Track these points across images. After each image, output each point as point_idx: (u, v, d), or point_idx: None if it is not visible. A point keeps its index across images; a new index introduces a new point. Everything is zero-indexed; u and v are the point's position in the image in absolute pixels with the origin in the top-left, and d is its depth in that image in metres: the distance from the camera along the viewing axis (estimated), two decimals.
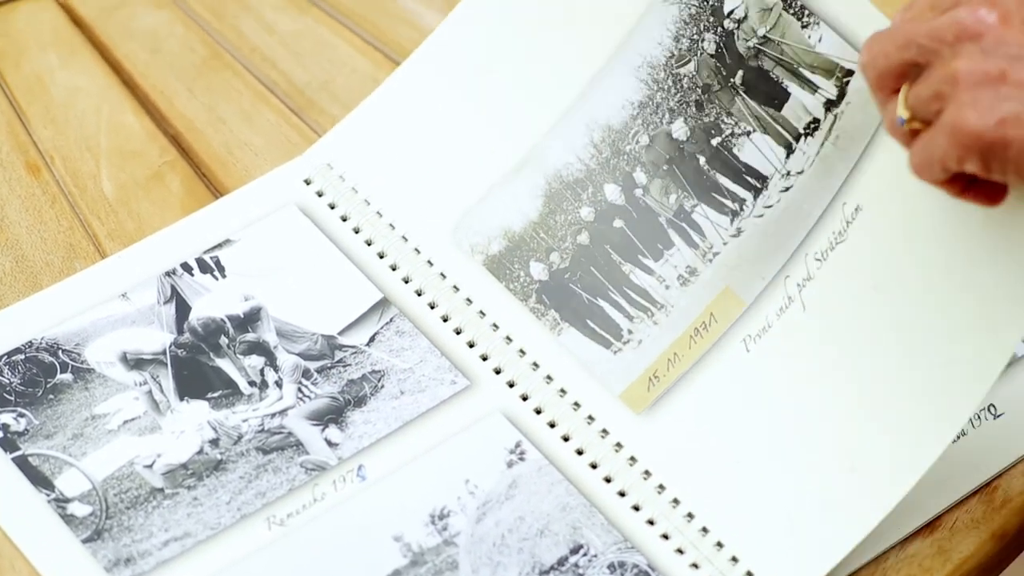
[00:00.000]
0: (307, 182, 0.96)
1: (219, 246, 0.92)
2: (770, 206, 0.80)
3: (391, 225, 0.93)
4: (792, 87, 0.80)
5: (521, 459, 0.83)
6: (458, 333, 0.88)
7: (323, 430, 0.84)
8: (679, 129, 0.83)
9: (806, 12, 0.79)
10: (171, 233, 0.94)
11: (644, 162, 0.84)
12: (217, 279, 0.91)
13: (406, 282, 0.91)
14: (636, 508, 0.81)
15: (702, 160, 0.82)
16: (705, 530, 0.79)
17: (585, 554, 0.79)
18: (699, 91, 0.82)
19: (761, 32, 0.80)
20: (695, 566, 0.78)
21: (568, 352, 0.85)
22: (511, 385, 0.86)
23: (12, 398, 0.85)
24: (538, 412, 0.85)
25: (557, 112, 0.88)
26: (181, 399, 0.85)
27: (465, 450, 0.83)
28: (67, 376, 0.86)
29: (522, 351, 0.87)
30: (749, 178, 0.81)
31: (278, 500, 0.81)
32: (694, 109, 0.82)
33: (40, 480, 0.81)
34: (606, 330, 0.85)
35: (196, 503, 0.81)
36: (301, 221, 0.94)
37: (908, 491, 0.75)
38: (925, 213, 0.74)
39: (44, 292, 0.91)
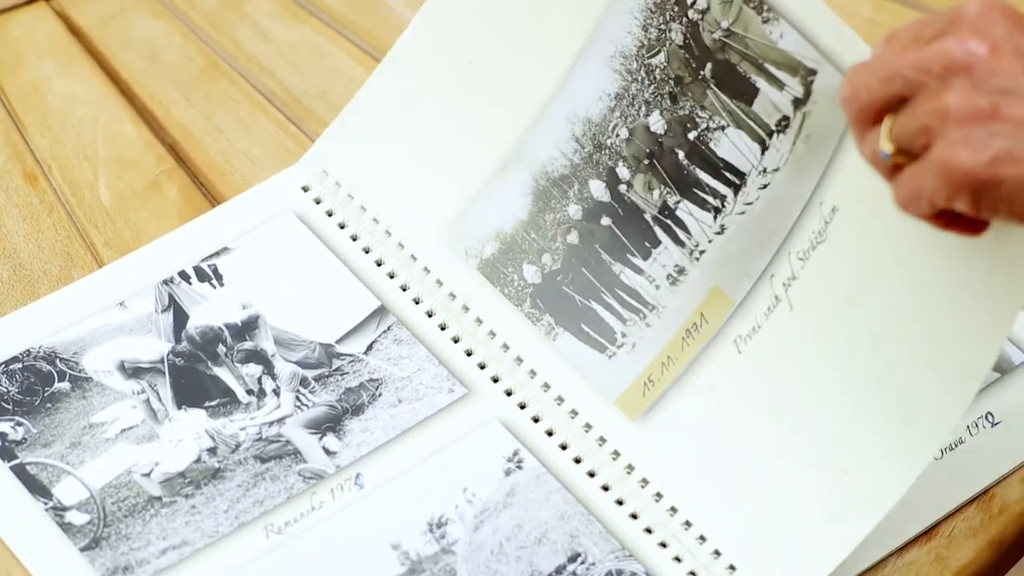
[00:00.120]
0: (305, 189, 0.96)
1: (217, 254, 0.93)
2: (751, 203, 0.79)
3: (387, 231, 0.93)
4: (760, 82, 0.78)
5: (519, 467, 0.83)
6: (456, 341, 0.88)
7: (321, 438, 0.84)
8: (656, 122, 0.82)
9: (765, 7, 0.77)
10: (169, 241, 0.94)
11: (626, 156, 0.84)
12: (215, 287, 0.91)
13: (404, 289, 0.91)
14: (634, 516, 0.81)
15: (681, 155, 0.81)
16: (703, 538, 0.79)
17: (583, 562, 0.79)
18: (672, 83, 0.81)
19: (725, 24, 0.79)
20: (693, 574, 0.78)
21: (564, 358, 0.85)
22: (509, 393, 0.86)
23: (10, 407, 0.85)
24: (536, 420, 0.85)
25: (537, 104, 0.88)
26: (179, 408, 0.85)
27: (463, 458, 0.83)
28: (65, 385, 0.86)
29: (519, 359, 0.87)
30: (728, 174, 0.80)
31: (276, 508, 0.81)
32: (669, 102, 0.82)
33: (38, 488, 0.81)
34: (600, 334, 0.85)
35: (194, 511, 0.81)
36: (298, 228, 0.94)
37: (903, 494, 0.74)
38: (901, 213, 0.73)
39: (42, 301, 0.91)
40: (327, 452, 0.83)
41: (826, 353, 0.77)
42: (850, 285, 0.76)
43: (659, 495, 0.81)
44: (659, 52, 0.81)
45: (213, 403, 0.86)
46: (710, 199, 0.81)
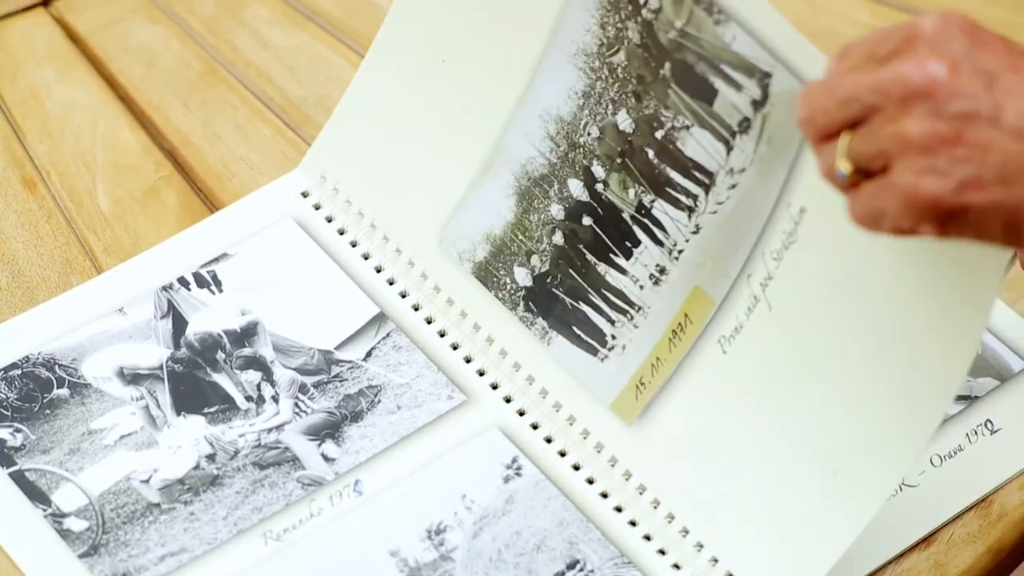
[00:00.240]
0: (304, 195, 0.96)
1: (216, 260, 0.93)
2: (722, 203, 0.79)
3: (384, 237, 0.93)
4: (718, 84, 0.77)
5: (518, 474, 0.83)
6: (455, 348, 0.88)
7: (320, 445, 0.84)
8: (624, 121, 0.82)
9: (715, 9, 0.76)
10: (167, 248, 0.94)
11: (599, 155, 0.83)
12: (214, 293, 0.91)
13: (403, 296, 0.91)
14: (633, 523, 0.81)
15: (651, 154, 0.81)
16: (700, 545, 0.79)
17: (582, 569, 0.79)
18: (635, 82, 0.81)
19: (679, 25, 0.78)
20: None
21: (558, 362, 0.85)
22: (508, 400, 0.86)
23: (9, 413, 0.85)
24: (535, 427, 0.85)
25: (511, 103, 0.87)
26: (178, 414, 0.85)
27: (462, 465, 0.83)
28: (64, 391, 0.86)
29: (517, 365, 0.87)
30: (697, 174, 0.79)
31: (275, 515, 0.81)
32: (634, 100, 0.81)
33: (37, 495, 0.81)
34: (591, 336, 0.85)
35: (193, 518, 0.81)
36: (298, 234, 0.94)
37: (891, 492, 0.74)
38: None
39: (40, 307, 0.91)
40: (326, 459, 0.83)
41: (807, 353, 0.76)
42: (825, 285, 0.75)
43: (656, 502, 0.81)
44: (619, 51, 0.81)
45: (212, 410, 0.86)
46: (683, 198, 0.80)
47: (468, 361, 0.88)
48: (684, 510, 0.80)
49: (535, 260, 0.87)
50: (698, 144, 0.79)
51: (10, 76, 1.09)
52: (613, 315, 0.84)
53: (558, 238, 0.86)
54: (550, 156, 0.86)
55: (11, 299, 0.92)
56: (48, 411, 0.85)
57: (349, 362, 0.88)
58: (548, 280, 0.86)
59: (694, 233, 0.80)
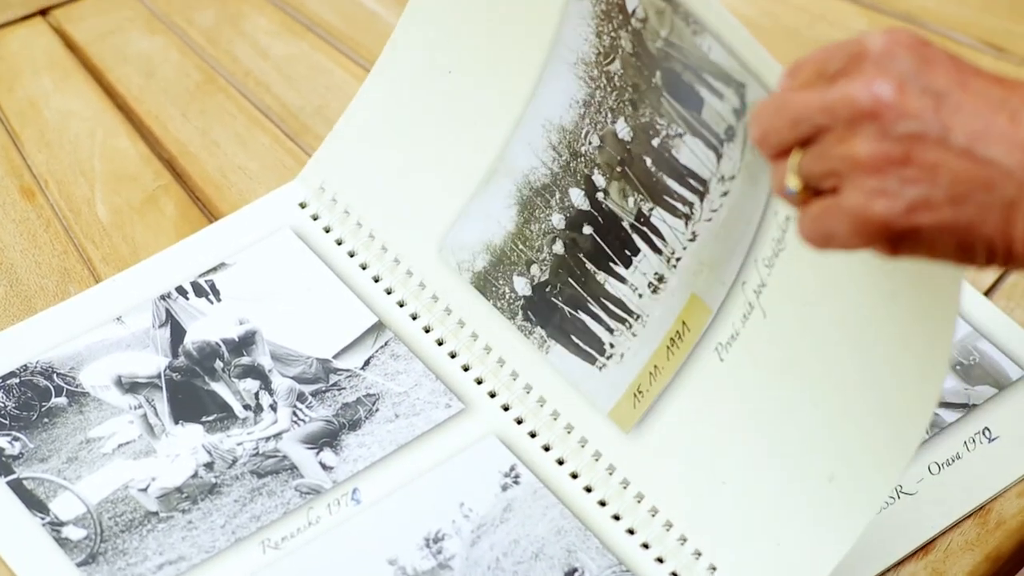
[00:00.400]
0: (302, 205, 0.96)
1: (214, 269, 0.93)
2: (715, 210, 0.79)
3: (383, 247, 0.93)
4: (703, 92, 0.78)
5: (516, 482, 0.83)
6: (453, 356, 0.88)
7: (318, 453, 0.84)
8: (623, 129, 0.82)
9: (691, 19, 0.77)
10: (166, 257, 0.94)
11: (600, 164, 0.84)
12: (212, 303, 0.91)
13: (401, 305, 0.91)
14: (631, 531, 0.81)
15: (649, 162, 0.82)
16: (698, 553, 0.79)
17: None
18: (631, 90, 0.81)
19: (663, 34, 0.78)
20: None
21: (557, 371, 0.86)
22: (506, 408, 0.86)
23: (7, 422, 0.85)
24: (533, 435, 0.85)
25: (515, 113, 0.87)
26: (176, 423, 0.85)
27: (460, 473, 0.83)
28: (62, 400, 0.86)
29: (514, 373, 0.87)
30: (692, 181, 0.80)
31: (273, 523, 0.81)
32: (631, 108, 0.81)
33: (35, 504, 0.81)
34: (589, 345, 0.85)
35: (191, 526, 0.81)
36: (296, 244, 0.94)
37: (886, 496, 0.74)
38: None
39: (38, 316, 0.91)
40: (324, 467, 0.83)
41: (802, 359, 0.77)
42: (813, 291, 0.76)
43: (654, 509, 0.81)
44: (614, 59, 0.81)
45: (210, 418, 0.86)
46: (679, 206, 0.81)
47: (466, 369, 0.88)
48: (682, 518, 0.80)
49: (535, 269, 0.87)
50: (691, 152, 0.79)
51: (8, 85, 1.09)
52: (612, 324, 0.84)
53: (558, 247, 0.86)
54: (552, 166, 0.86)
55: (9, 308, 0.92)
56: (46, 420, 0.85)
57: (347, 371, 0.88)
58: (547, 289, 0.87)
59: (691, 241, 0.80)
